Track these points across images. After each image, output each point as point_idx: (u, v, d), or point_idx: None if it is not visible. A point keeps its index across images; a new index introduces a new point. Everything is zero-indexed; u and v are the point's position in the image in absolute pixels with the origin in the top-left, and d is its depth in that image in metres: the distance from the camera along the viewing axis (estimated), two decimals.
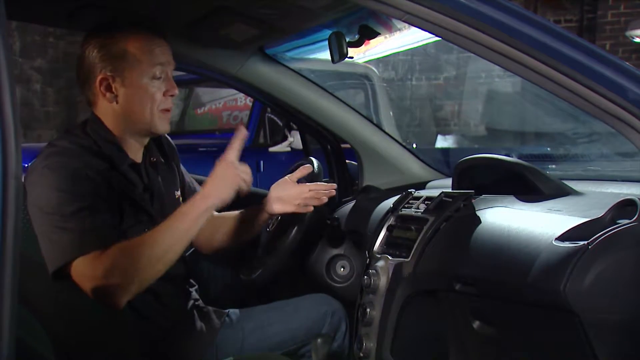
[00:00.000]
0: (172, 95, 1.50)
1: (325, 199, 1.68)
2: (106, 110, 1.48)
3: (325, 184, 1.71)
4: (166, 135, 1.68)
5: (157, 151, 1.63)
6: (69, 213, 1.33)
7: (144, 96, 1.46)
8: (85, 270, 1.31)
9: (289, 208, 1.67)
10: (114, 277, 1.31)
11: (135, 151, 1.53)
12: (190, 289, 1.66)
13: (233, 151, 1.45)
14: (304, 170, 1.70)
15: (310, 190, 1.66)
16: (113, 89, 1.45)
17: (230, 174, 1.42)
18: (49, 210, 1.33)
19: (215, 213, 1.76)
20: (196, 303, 1.64)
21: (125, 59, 1.44)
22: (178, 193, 1.67)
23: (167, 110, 1.51)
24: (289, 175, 1.70)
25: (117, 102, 1.46)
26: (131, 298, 1.34)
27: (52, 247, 1.33)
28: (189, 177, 1.78)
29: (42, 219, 1.34)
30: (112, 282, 1.31)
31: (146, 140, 1.56)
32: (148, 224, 1.49)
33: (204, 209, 1.40)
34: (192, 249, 1.85)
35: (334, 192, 1.70)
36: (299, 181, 1.71)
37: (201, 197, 1.42)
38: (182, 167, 1.75)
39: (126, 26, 1.46)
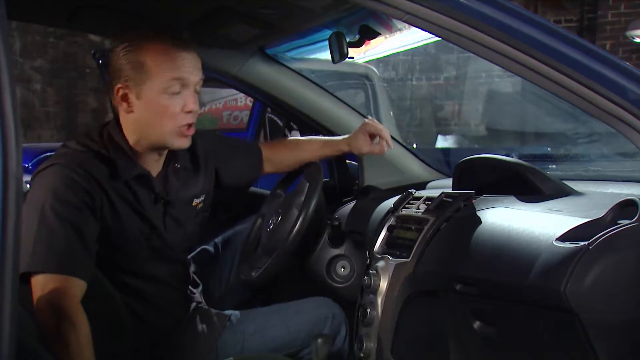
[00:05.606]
0: (189, 112, 1.44)
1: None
2: (125, 119, 1.46)
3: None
4: (204, 135, 1.65)
5: (185, 155, 1.58)
6: (52, 220, 1.31)
7: (158, 111, 1.42)
8: (41, 288, 1.27)
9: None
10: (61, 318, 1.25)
11: (152, 161, 1.50)
12: (194, 290, 1.65)
13: None
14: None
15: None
16: (129, 100, 1.43)
17: None
18: (37, 210, 1.32)
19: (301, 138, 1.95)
20: (199, 305, 1.63)
21: (143, 70, 1.40)
22: (198, 200, 1.62)
23: (188, 125, 1.45)
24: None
25: (133, 113, 1.44)
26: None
27: (25, 248, 1.29)
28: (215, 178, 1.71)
29: (28, 216, 1.32)
30: (58, 319, 1.24)
31: (165, 151, 1.52)
32: (156, 239, 1.49)
33: None
34: (196, 251, 1.85)
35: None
36: None
37: None
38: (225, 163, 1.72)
39: (150, 35, 1.41)
